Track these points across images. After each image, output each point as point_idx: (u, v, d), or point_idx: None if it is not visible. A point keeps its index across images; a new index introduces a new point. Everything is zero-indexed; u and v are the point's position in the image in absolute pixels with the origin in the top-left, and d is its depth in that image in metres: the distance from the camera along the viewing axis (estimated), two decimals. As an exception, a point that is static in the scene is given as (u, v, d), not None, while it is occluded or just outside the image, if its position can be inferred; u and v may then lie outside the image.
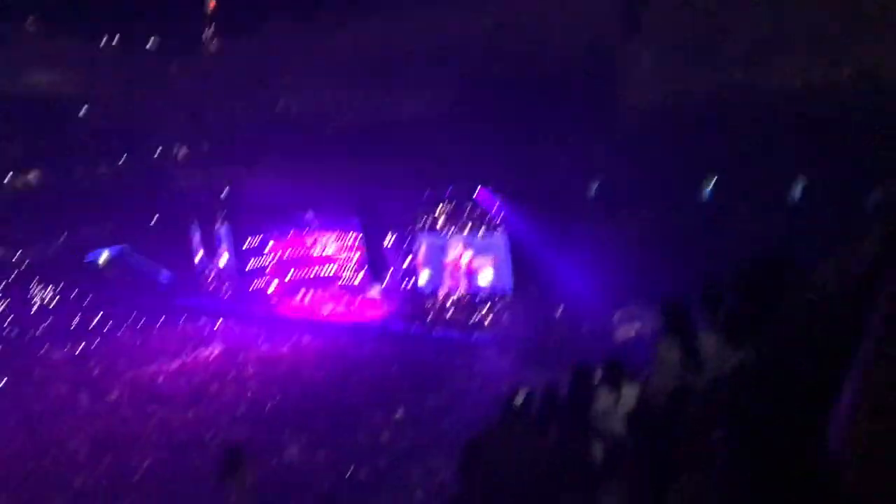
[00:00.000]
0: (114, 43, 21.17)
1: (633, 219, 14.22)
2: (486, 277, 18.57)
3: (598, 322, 15.23)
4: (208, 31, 21.39)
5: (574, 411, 4.91)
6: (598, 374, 5.65)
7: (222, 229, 22.70)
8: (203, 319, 21.05)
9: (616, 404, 4.84)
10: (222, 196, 22.14)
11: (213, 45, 21.40)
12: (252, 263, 22.13)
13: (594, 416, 4.79)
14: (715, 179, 13.23)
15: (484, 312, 18.01)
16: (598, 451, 4.70)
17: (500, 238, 18.12)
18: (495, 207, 17.81)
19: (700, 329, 4.71)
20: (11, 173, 22.08)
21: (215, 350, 18.75)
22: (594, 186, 14.66)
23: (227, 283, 22.63)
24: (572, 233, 15.10)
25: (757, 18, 13.18)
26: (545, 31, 14.53)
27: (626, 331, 14.69)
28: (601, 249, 14.35)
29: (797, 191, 12.04)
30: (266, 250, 22.08)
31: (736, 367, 3.65)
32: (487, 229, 18.57)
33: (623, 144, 13.32)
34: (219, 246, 22.84)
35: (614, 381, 5.12)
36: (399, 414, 13.68)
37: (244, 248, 22.15)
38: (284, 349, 18.32)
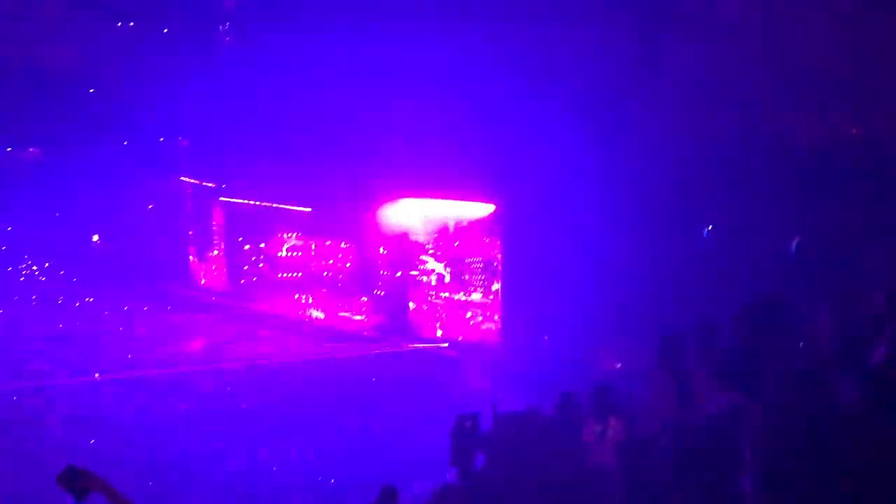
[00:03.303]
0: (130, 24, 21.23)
1: (627, 251, 14.28)
2: (474, 294, 18.58)
3: (584, 353, 15.25)
4: (222, 28, 21.42)
5: (560, 437, 4.92)
6: (585, 402, 5.66)
7: (217, 224, 22.69)
8: (190, 311, 21.01)
9: (603, 435, 4.86)
10: (220, 191, 22.13)
11: (223, 43, 21.46)
12: (244, 261, 22.10)
13: (581, 445, 4.79)
14: (713, 224, 13.36)
15: (469, 330, 17.99)
16: (585, 480, 4.71)
17: (490, 256, 18.19)
18: (486, 223, 17.83)
19: (693, 366, 4.72)
20: (10, 149, 22.18)
21: (199, 343, 18.77)
22: (591, 215, 14.70)
23: (217, 278, 22.58)
24: (564, 260, 15.14)
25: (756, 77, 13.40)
26: None
27: (612, 363, 14.70)
28: (592, 281, 14.39)
29: (793, 244, 12.21)
30: (259, 249, 22.07)
31: (729, 408, 3.70)
32: (478, 245, 18.60)
33: (624, 179, 13.46)
34: (212, 240, 22.79)
35: (601, 411, 5.12)
36: (373, 423, 13.77)
37: (237, 244, 22.13)
38: (268, 349, 18.36)
